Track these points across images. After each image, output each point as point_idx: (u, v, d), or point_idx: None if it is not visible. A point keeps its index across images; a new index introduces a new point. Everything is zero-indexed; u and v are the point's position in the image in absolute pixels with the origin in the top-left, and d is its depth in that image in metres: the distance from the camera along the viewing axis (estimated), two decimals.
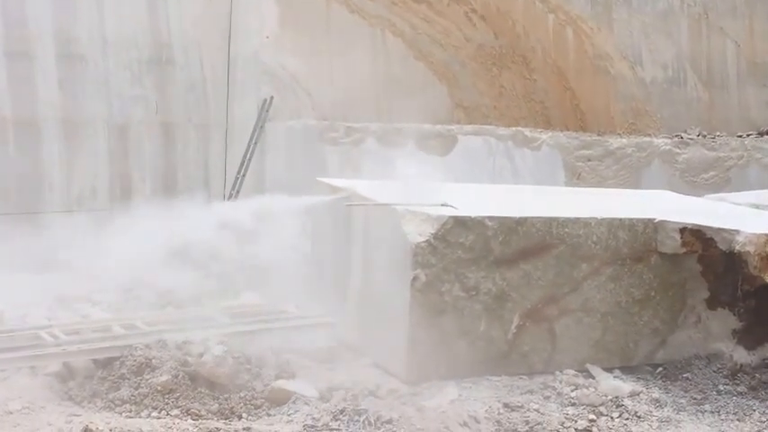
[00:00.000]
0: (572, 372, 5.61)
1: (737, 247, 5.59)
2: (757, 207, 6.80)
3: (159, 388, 5.03)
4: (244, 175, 8.22)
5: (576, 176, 9.15)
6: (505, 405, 5.13)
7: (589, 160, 9.28)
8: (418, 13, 9.14)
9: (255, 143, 8.35)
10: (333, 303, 6.11)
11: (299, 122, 8.42)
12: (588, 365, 5.70)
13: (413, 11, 9.11)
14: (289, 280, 6.09)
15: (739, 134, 10.49)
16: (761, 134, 10.59)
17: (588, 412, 5.15)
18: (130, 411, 4.91)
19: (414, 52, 9.12)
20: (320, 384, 5.27)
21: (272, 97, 8.50)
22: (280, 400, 5.11)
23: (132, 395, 5.01)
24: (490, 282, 5.51)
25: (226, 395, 5.10)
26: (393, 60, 9.05)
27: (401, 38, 9.05)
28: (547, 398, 5.31)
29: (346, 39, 8.90)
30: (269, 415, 5.00)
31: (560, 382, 5.48)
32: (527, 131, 9.10)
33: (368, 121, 8.57)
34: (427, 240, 5.39)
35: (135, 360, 5.22)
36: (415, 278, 5.36)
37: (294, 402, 5.07)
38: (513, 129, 9.09)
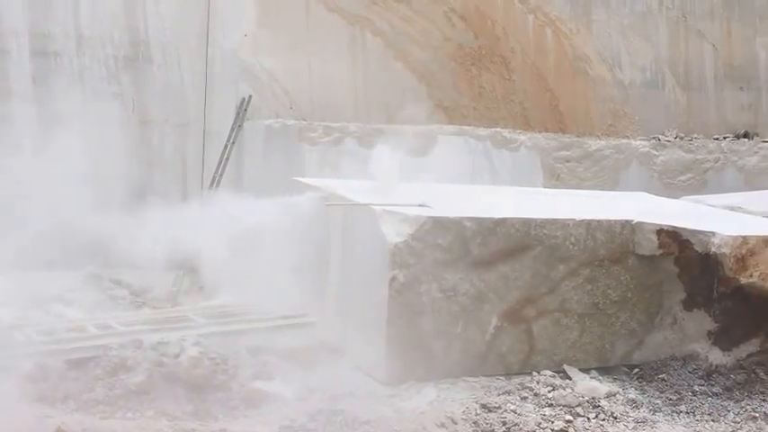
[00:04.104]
0: (549, 372, 5.63)
1: (713, 249, 5.62)
2: (733, 209, 6.83)
3: (134, 389, 4.99)
4: (221, 175, 8.18)
5: (554, 178, 9.15)
6: (483, 406, 5.14)
7: (567, 161, 9.28)
8: (398, 12, 9.12)
9: (233, 142, 8.32)
10: (311, 303, 6.10)
11: (277, 122, 8.38)
12: (565, 366, 5.72)
13: (392, 10, 9.09)
14: (267, 280, 6.05)
15: (716, 137, 10.53)
16: (737, 137, 10.63)
17: (565, 413, 5.17)
18: (104, 412, 4.86)
19: (393, 52, 9.10)
20: (297, 385, 5.25)
21: (250, 96, 8.47)
22: (256, 400, 5.09)
23: (107, 396, 4.96)
24: (468, 283, 5.51)
25: (202, 396, 5.06)
26: (372, 60, 9.02)
27: (380, 37, 9.03)
28: (524, 399, 5.31)
29: (325, 38, 8.87)
30: (245, 416, 4.97)
31: (537, 383, 5.48)
32: (506, 132, 9.09)
33: (347, 121, 8.55)
34: (405, 241, 5.39)
35: (109, 360, 5.19)
36: (392, 279, 5.36)
37: (271, 403, 5.04)
38: (492, 129, 9.08)
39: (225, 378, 5.18)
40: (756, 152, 10.28)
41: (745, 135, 10.67)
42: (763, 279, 5.67)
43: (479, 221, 5.55)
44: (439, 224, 5.47)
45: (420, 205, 5.76)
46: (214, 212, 6.21)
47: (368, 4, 9.01)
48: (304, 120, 8.58)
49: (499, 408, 5.14)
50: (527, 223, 5.65)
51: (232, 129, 8.36)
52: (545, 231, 5.67)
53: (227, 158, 8.25)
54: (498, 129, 9.16)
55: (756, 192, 8.46)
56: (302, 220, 6.15)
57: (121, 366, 5.14)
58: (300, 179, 6.82)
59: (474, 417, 5.02)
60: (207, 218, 6.19)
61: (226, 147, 8.29)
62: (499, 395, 5.32)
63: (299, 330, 5.94)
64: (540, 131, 9.50)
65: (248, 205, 6.20)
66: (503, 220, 5.61)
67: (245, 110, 8.42)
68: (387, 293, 5.36)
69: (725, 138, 10.52)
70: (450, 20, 9.36)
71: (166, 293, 7.28)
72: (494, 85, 9.54)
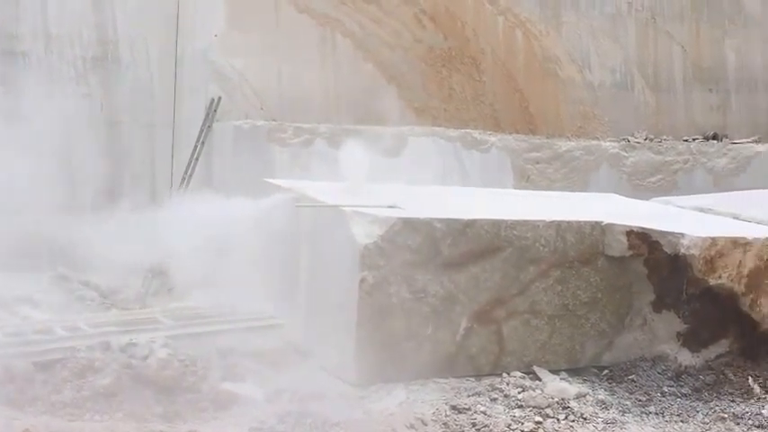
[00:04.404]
0: (519, 374, 5.63)
1: (683, 251, 5.65)
2: (702, 211, 6.87)
3: (102, 391, 4.95)
4: (191, 176, 8.14)
5: (524, 179, 9.17)
6: (453, 407, 5.14)
7: (538, 163, 9.31)
8: (368, 13, 9.10)
9: (203, 143, 8.27)
10: (281, 305, 6.07)
11: (246, 122, 8.34)
12: (535, 367, 5.72)
13: (362, 11, 9.07)
14: (237, 281, 6.03)
15: (685, 138, 10.58)
16: (706, 138, 10.69)
17: (535, 414, 5.17)
18: (72, 415, 4.82)
19: (363, 53, 9.08)
20: (267, 387, 5.24)
21: (219, 97, 8.43)
22: (226, 402, 5.06)
23: (74, 398, 4.92)
24: (438, 284, 5.51)
25: (171, 398, 5.03)
26: (342, 61, 9.00)
27: (350, 38, 9.01)
28: (494, 400, 5.31)
29: (295, 38, 8.84)
30: (214, 418, 4.95)
31: (507, 384, 5.48)
32: (476, 133, 9.10)
33: (317, 122, 8.53)
34: (375, 242, 5.38)
35: (77, 362, 5.14)
36: (362, 280, 5.35)
37: (240, 405, 5.02)
38: (463, 131, 9.08)
39: (194, 380, 5.15)
40: (725, 154, 10.35)
41: (714, 137, 10.73)
42: (731, 280, 5.71)
43: (449, 223, 5.54)
44: (409, 225, 5.46)
45: (390, 206, 5.75)
46: (183, 214, 6.18)
47: (337, 5, 8.99)
48: (274, 120, 8.55)
49: (469, 409, 5.14)
50: (497, 225, 5.65)
51: (201, 129, 8.32)
52: (515, 233, 5.67)
53: (197, 159, 8.21)
54: (468, 130, 9.17)
55: (725, 193, 8.51)
56: (272, 222, 6.13)
57: (89, 368, 5.10)
58: (270, 180, 6.79)
59: (444, 418, 5.01)
60: (176, 219, 6.15)
61: (195, 147, 8.25)
62: (469, 396, 5.32)
63: (268, 332, 5.92)
64: (510, 133, 9.51)
65: (218, 206, 6.17)
66: (473, 222, 5.61)
67: (215, 110, 8.38)
68: (356, 295, 5.34)
69: (694, 139, 10.58)
70: (420, 21, 9.35)
71: (135, 295, 7.23)
72: (464, 87, 9.54)
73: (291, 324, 5.94)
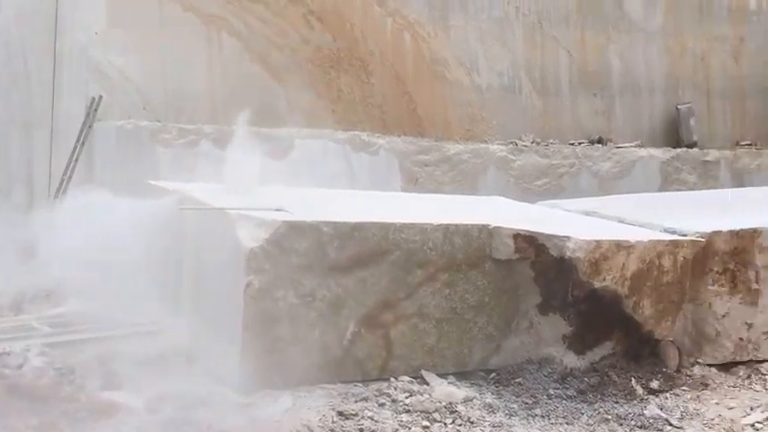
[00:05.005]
0: (407, 378, 5.60)
1: (568, 254, 5.69)
2: (588, 214, 6.95)
3: None
4: (70, 177, 7.93)
5: (412, 182, 9.19)
6: (339, 413, 5.08)
7: (426, 165, 9.34)
8: (255, 13, 9.00)
9: (83, 144, 8.07)
10: (165, 310, 5.94)
11: (129, 123, 8.18)
12: (423, 372, 5.69)
13: (249, 11, 8.97)
14: (118, 287, 5.88)
15: (571, 142, 10.75)
16: (592, 142, 10.87)
17: (422, 419, 5.15)
18: None
19: (250, 53, 8.98)
20: (148, 395, 5.09)
21: (100, 96, 8.23)
22: (105, 412, 4.91)
23: None
24: (325, 288, 5.45)
25: (47, 408, 4.86)
26: (229, 61, 8.89)
27: (237, 38, 8.90)
28: (381, 405, 5.28)
29: (180, 37, 8.69)
30: (93, 428, 4.79)
31: (395, 389, 5.45)
32: (364, 136, 9.09)
33: (202, 123, 8.40)
34: (261, 246, 5.29)
35: None
36: (248, 284, 5.26)
37: (120, 414, 4.87)
38: (351, 133, 9.06)
39: (71, 389, 5.01)
40: (610, 158, 10.56)
41: (599, 140, 10.93)
42: (615, 283, 5.78)
43: (336, 226, 5.49)
44: (295, 229, 5.39)
45: (277, 209, 5.67)
46: (62, 217, 6.02)
47: (223, 5, 8.86)
48: (158, 121, 8.39)
49: (356, 415, 5.09)
50: (385, 228, 5.61)
51: (81, 130, 8.12)
52: (403, 236, 5.64)
53: (77, 160, 8.01)
54: (357, 132, 9.15)
55: (610, 196, 8.65)
56: (156, 225, 6.01)
57: None
58: (154, 182, 6.66)
59: (330, 424, 4.96)
60: (54, 222, 5.98)
61: (75, 148, 8.04)
62: (356, 402, 5.27)
63: (151, 338, 5.77)
64: (398, 135, 9.52)
65: (99, 209, 6.03)
66: (360, 225, 5.56)
67: (96, 110, 8.19)
68: (242, 299, 5.25)
69: (580, 143, 10.75)
70: (308, 22, 9.29)
71: (10, 301, 6.98)
72: (352, 88, 9.51)
73: (176, 330, 5.80)
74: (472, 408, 5.35)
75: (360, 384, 5.50)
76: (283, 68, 9.16)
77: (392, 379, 5.56)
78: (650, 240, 5.97)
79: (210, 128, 8.27)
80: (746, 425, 5.48)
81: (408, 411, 5.22)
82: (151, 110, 8.54)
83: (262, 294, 5.28)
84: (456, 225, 5.82)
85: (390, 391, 5.42)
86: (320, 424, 4.94)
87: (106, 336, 5.71)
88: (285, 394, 5.24)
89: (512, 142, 10.25)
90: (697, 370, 6.14)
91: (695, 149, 11.19)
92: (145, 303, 6.00)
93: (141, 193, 6.27)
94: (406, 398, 5.35)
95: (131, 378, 5.28)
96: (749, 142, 11.86)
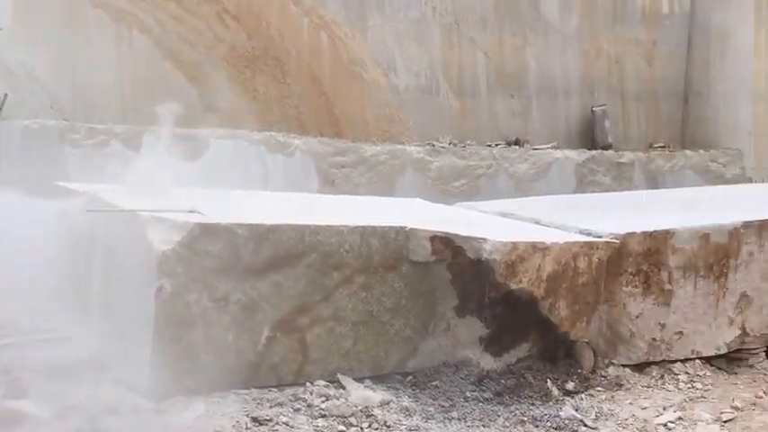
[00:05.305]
0: (323, 383, 5.53)
1: (485, 255, 5.69)
2: (505, 215, 6.96)
3: None
4: None
5: (329, 183, 9.13)
6: (254, 419, 5.01)
7: (343, 167, 9.28)
8: (167, 10, 8.85)
9: None
10: (74, 316, 5.81)
11: (35, 122, 7.98)
12: (339, 376, 5.63)
13: (161, 8, 8.81)
14: (22, 292, 5.71)
15: (488, 143, 10.79)
16: (509, 144, 10.93)
17: (338, 423, 5.11)
18: None
19: (162, 51, 8.82)
20: (55, 403, 4.94)
21: (6, 95, 8.03)
22: (8, 421, 4.74)
23: None
24: (240, 291, 5.35)
25: None
26: (140, 59, 8.73)
27: (148, 35, 8.74)
28: (297, 410, 5.21)
29: (89, 34, 8.51)
30: None
31: (311, 394, 5.38)
32: (280, 136, 8.99)
33: (113, 123, 8.24)
34: (173, 248, 5.17)
35: None
36: (159, 288, 5.13)
37: (25, 423, 4.72)
38: (267, 133, 8.96)
39: None
40: (526, 159, 10.61)
41: (516, 142, 10.99)
42: (531, 284, 5.79)
43: (251, 228, 5.39)
44: (209, 231, 5.28)
45: (190, 211, 5.56)
46: None
47: (135, 1, 8.70)
48: (66, 121, 8.20)
49: (271, 420, 5.03)
50: (300, 230, 5.53)
51: None
52: (319, 238, 5.58)
53: None
54: (273, 133, 9.06)
55: (527, 198, 8.69)
56: (63, 227, 5.86)
57: None
58: (62, 184, 6.50)
59: (244, 431, 4.90)
60: None
61: None
62: (271, 407, 5.19)
63: (59, 345, 5.62)
64: (315, 136, 9.45)
65: (3, 210, 5.85)
66: (276, 227, 5.47)
67: (1, 109, 7.98)
68: (153, 304, 5.12)
69: (497, 144, 10.80)
70: (222, 20, 9.17)
71: None
72: (268, 88, 9.41)
73: (85, 336, 5.66)
74: (389, 411, 5.31)
75: (275, 390, 5.41)
76: (197, 67, 9.03)
77: (308, 384, 5.48)
78: (566, 242, 5.99)
79: (121, 128, 8.11)
80: (659, 424, 5.54)
81: (324, 416, 5.16)
82: (59, 109, 8.35)
83: (174, 298, 5.16)
84: (373, 227, 5.76)
85: (306, 396, 5.35)
86: (233, 430, 4.86)
87: (11, 342, 5.54)
88: (197, 401, 5.14)
89: (429, 143, 10.24)
90: (612, 370, 6.19)
91: (610, 151, 11.31)
92: (53, 308, 5.85)
93: (49, 194, 6.11)
94: (322, 402, 5.29)
95: (38, 386, 5.11)
96: (662, 144, 12.06)
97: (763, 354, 6.62)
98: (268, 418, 5.05)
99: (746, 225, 6.58)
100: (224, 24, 9.19)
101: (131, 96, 8.64)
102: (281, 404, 5.24)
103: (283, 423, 5.03)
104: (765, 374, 6.43)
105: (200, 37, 9.03)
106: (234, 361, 5.34)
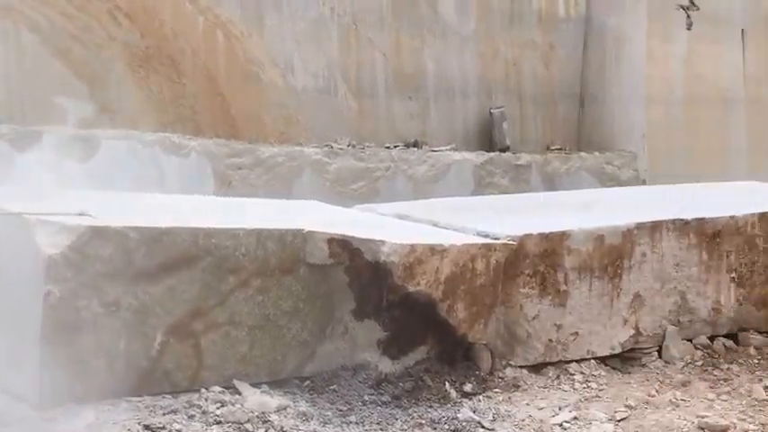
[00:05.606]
0: (219, 388, 5.43)
1: (383, 258, 5.67)
2: (403, 217, 6.95)
3: None
4: None
5: (225, 185, 9.00)
6: (146, 427, 4.91)
7: (240, 169, 9.16)
8: (56, 7, 8.61)
9: None
10: None
11: None
12: (235, 381, 5.54)
13: (49, 5, 8.57)
14: None
15: (387, 145, 10.78)
16: (407, 146, 10.94)
17: (234, 430, 5.03)
18: None
19: (51, 49, 8.58)
20: None
21: None
22: None
23: None
24: (132, 296, 5.23)
25: None
26: (28, 56, 8.47)
27: (36, 33, 8.48)
28: (191, 417, 5.11)
29: None
30: None
31: (206, 400, 5.29)
32: (175, 137, 8.83)
33: None
34: (62, 252, 5.03)
35: None
36: (47, 294, 4.99)
37: None
38: (161, 134, 8.78)
39: None
40: (425, 161, 10.62)
41: (415, 144, 11.01)
42: (429, 287, 5.79)
43: (144, 231, 5.28)
44: (99, 234, 5.15)
45: (80, 214, 5.41)
46: None
47: None
48: None
49: (164, 428, 4.93)
50: (195, 233, 5.44)
51: None
52: (214, 241, 5.49)
53: None
54: (167, 134, 8.89)
55: (425, 200, 8.71)
56: None
57: None
58: None
59: None
60: None
61: None
62: (164, 414, 5.09)
63: None
64: (211, 137, 9.31)
65: None
66: (169, 230, 5.37)
67: None
68: (41, 310, 4.98)
69: (395, 146, 10.79)
70: (115, 18, 8.97)
71: None
72: (162, 88, 9.24)
73: None
74: (286, 417, 5.25)
75: (169, 396, 5.30)
76: (87, 66, 8.80)
77: (203, 390, 5.39)
78: (464, 244, 6.00)
79: (7, 128, 7.85)
80: (555, 424, 5.58)
81: (219, 423, 5.07)
82: None
83: (62, 304, 5.02)
84: (269, 230, 5.70)
85: (201, 403, 5.25)
86: None
87: None
88: (87, 409, 5.00)
89: (327, 145, 10.18)
90: (509, 372, 6.22)
91: (508, 153, 11.40)
92: None
93: None
94: (218, 409, 5.20)
95: None
96: (559, 146, 12.22)
97: (656, 353, 6.73)
98: (161, 425, 4.94)
99: (640, 226, 6.69)
100: (116, 22, 8.99)
101: (18, 95, 8.38)
102: (174, 411, 5.14)
103: (177, 431, 4.93)
104: (658, 374, 6.54)
105: (91, 35, 8.81)
106: (126, 367, 5.22)
